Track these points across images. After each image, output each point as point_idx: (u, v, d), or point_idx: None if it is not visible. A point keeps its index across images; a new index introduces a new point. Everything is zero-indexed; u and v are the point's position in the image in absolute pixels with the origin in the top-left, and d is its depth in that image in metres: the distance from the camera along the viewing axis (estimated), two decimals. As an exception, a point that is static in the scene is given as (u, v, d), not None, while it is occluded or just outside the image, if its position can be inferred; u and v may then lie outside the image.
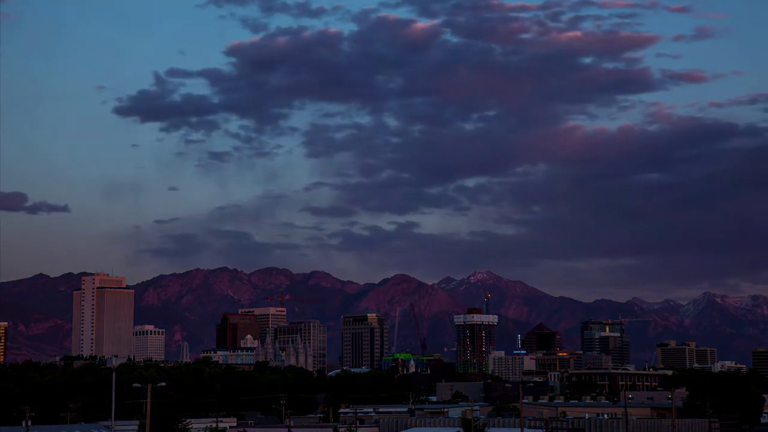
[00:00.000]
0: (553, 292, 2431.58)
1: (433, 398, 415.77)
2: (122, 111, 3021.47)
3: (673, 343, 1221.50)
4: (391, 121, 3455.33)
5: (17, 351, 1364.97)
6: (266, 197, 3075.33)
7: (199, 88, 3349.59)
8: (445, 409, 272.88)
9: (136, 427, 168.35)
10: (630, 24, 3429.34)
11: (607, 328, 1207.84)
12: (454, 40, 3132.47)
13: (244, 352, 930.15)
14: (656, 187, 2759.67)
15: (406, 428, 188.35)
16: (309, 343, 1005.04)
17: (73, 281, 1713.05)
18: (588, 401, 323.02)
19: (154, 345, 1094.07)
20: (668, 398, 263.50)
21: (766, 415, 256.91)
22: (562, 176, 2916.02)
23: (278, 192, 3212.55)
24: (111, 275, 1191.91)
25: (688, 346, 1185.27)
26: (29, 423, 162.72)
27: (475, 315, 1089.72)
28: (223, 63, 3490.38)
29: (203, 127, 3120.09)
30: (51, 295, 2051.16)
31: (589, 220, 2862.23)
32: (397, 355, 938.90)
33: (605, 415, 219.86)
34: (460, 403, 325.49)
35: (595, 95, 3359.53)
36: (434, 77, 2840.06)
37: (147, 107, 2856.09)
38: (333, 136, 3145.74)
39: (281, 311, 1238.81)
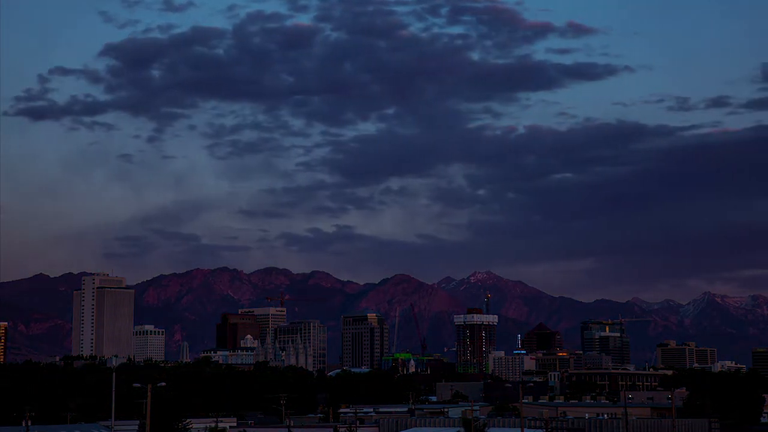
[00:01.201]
0: (552, 293, 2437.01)
1: (433, 398, 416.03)
2: (10, 112, 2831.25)
3: (673, 343, 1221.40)
4: (291, 121, 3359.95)
5: (17, 351, 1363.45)
6: (191, 200, 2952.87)
7: (83, 87, 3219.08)
8: (445, 409, 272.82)
9: (136, 427, 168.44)
10: (512, 19, 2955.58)
11: (607, 328, 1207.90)
12: (335, 35, 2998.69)
13: (244, 352, 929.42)
14: (574, 187, 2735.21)
15: (406, 428, 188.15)
16: (309, 343, 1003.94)
17: (73, 281, 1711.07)
18: (588, 401, 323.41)
19: (154, 345, 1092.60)
20: (668, 398, 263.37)
21: (766, 415, 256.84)
22: (480, 177, 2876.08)
23: (200, 196, 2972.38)
24: (111, 275, 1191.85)
25: (688, 346, 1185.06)
26: (29, 423, 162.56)
27: (475, 315, 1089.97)
28: (99, 62, 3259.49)
29: (101, 128, 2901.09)
30: (51, 295, 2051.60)
31: (522, 222, 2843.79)
32: (397, 355, 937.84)
33: (605, 415, 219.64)
34: (460, 403, 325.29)
35: (494, 93, 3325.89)
36: (322, 75, 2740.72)
37: (35, 108, 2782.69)
38: (238, 139, 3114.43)
39: (281, 311, 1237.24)
